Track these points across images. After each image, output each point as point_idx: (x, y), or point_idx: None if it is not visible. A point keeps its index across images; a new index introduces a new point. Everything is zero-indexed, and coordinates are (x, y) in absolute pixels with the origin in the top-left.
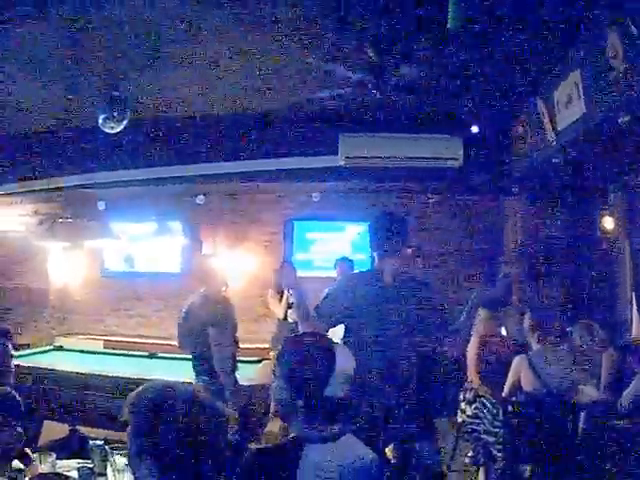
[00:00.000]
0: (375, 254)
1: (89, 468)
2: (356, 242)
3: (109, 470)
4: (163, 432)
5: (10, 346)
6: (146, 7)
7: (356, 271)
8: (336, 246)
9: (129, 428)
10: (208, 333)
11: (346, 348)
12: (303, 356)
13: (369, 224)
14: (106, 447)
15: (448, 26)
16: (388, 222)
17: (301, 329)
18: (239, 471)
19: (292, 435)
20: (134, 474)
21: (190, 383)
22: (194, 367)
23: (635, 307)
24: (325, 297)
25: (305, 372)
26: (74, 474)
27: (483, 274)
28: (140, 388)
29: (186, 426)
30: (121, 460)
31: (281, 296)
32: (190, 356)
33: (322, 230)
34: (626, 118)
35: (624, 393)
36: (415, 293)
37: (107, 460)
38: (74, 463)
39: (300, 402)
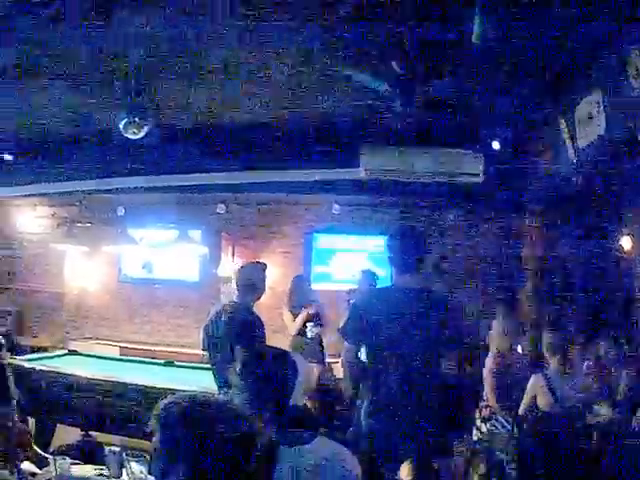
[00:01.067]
0: (394, 270)
1: (105, 475)
2: (376, 256)
3: (125, 477)
4: (197, 443)
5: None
6: (174, 20)
7: (375, 287)
8: (356, 259)
9: (157, 438)
10: (233, 347)
11: (301, 357)
12: (267, 371)
13: (387, 239)
14: (123, 454)
15: (473, 40)
16: (406, 237)
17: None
18: None
19: (265, 440)
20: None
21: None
22: (215, 377)
23: None
24: (347, 318)
25: (270, 386)
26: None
27: (503, 290)
28: (170, 398)
29: (220, 437)
30: (138, 467)
31: (295, 312)
32: (207, 365)
33: (342, 243)
34: None
35: None
36: (434, 309)
37: (123, 467)
38: (89, 468)
39: (267, 414)
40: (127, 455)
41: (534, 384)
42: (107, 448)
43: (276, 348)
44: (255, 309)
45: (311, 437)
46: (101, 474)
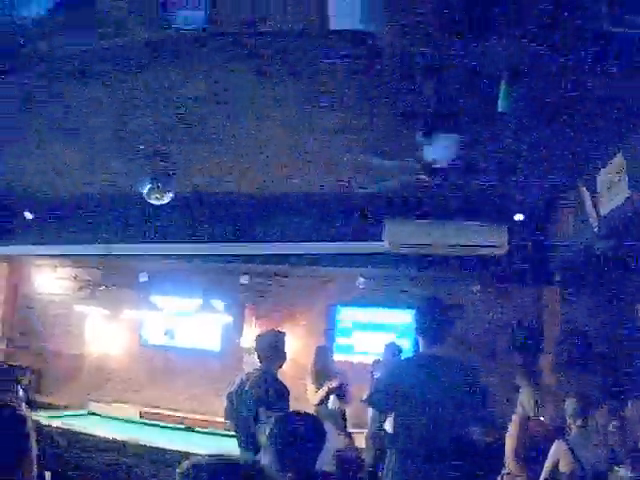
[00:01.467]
0: (420, 339)
1: None
2: (400, 329)
3: None
4: None
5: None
6: (202, 88)
7: (403, 357)
8: (379, 332)
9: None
10: (258, 411)
11: (330, 425)
12: (293, 433)
13: (416, 310)
14: None
15: (498, 108)
16: (434, 308)
17: None
18: None
19: None
20: None
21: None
22: (239, 442)
23: None
24: (375, 387)
25: (294, 448)
26: None
27: (524, 362)
28: (195, 458)
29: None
30: None
31: (318, 384)
32: (229, 432)
33: (365, 316)
34: None
35: None
36: (463, 378)
37: None
38: None
39: (290, 476)
40: None
41: (556, 449)
42: None
43: (306, 413)
44: (279, 377)
45: None
46: None
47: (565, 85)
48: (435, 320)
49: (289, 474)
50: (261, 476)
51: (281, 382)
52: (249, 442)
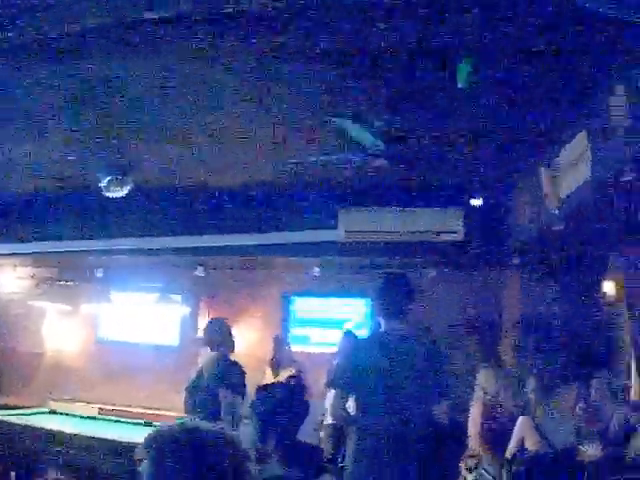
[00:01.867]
0: (381, 317)
1: None
2: (356, 318)
3: None
4: (187, 469)
5: None
6: (157, 79)
7: (364, 336)
8: (335, 321)
9: (145, 466)
10: (219, 394)
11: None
12: (276, 402)
13: (376, 285)
14: None
15: (459, 85)
16: (395, 283)
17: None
18: None
19: (272, 474)
20: None
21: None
22: None
23: (634, 371)
24: (338, 369)
25: (278, 417)
26: None
27: (483, 346)
28: (159, 427)
29: (211, 463)
30: None
31: (276, 371)
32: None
33: (321, 305)
34: (631, 176)
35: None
36: (424, 355)
37: None
38: None
39: (272, 444)
40: None
41: (521, 426)
42: None
43: (289, 384)
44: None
45: (314, 476)
46: None
47: (525, 63)
48: (395, 295)
49: (271, 443)
50: (225, 440)
51: (237, 363)
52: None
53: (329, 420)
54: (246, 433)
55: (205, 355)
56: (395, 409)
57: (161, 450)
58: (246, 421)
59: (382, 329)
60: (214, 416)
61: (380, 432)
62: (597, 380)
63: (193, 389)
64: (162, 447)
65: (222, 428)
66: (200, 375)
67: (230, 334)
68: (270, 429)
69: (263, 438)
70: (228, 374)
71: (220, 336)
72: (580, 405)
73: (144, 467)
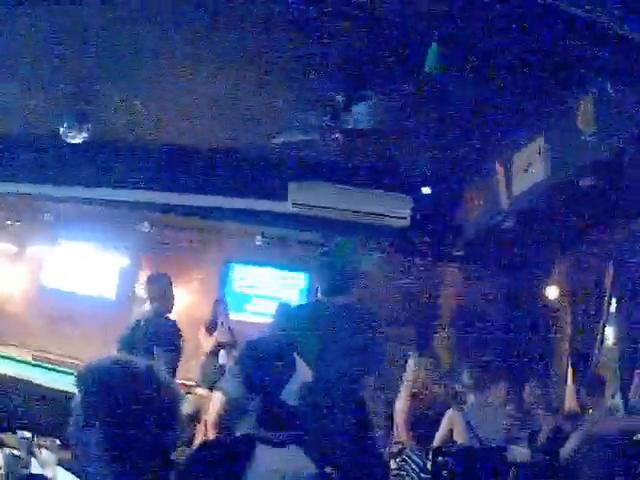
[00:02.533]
0: (319, 293)
1: (15, 456)
2: (294, 292)
3: (34, 462)
4: (115, 402)
5: None
6: (125, 24)
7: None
8: (273, 293)
9: (76, 399)
10: (153, 352)
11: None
12: (267, 356)
13: (319, 255)
14: (33, 440)
15: (426, 69)
16: (333, 259)
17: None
18: (187, 462)
19: (244, 433)
20: (76, 447)
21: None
22: None
23: (570, 380)
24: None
25: (267, 370)
26: None
27: (417, 336)
28: (92, 361)
29: (141, 396)
30: (47, 455)
31: (211, 333)
32: None
33: (260, 275)
34: (588, 182)
35: (565, 449)
36: (361, 325)
37: (33, 453)
38: None
39: (256, 401)
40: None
41: (450, 417)
42: (19, 433)
43: (278, 340)
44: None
45: (289, 440)
46: (11, 453)
47: (492, 51)
48: (336, 271)
49: (255, 399)
50: (155, 374)
51: (174, 322)
52: None
53: None
54: (230, 387)
55: (140, 311)
56: (328, 383)
57: (92, 382)
58: (229, 375)
59: (318, 299)
60: None
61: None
62: (530, 384)
63: (126, 344)
64: (93, 379)
65: (152, 365)
66: (135, 330)
67: (171, 291)
68: (255, 384)
69: (247, 393)
70: (165, 332)
71: (161, 292)
72: (510, 407)
73: (76, 402)
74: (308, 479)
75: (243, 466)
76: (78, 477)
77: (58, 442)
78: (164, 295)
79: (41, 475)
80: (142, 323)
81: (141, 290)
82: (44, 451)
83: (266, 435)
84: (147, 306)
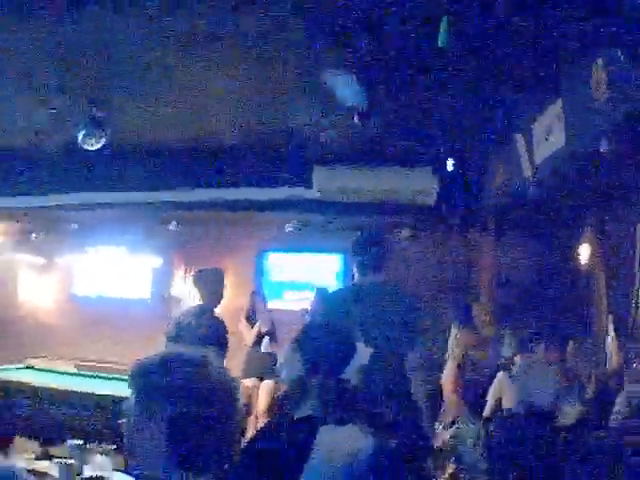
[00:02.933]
0: (358, 271)
1: (68, 464)
2: (329, 274)
3: (88, 468)
4: (172, 396)
5: None
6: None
7: (337, 289)
8: (309, 278)
9: (131, 398)
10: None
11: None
12: (327, 336)
13: (354, 240)
14: (85, 447)
15: (439, 44)
16: (369, 239)
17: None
18: (248, 444)
19: (306, 414)
20: (131, 451)
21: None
22: None
23: (612, 336)
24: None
25: (328, 351)
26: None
27: (456, 308)
28: (142, 359)
29: (198, 387)
30: (102, 459)
31: (252, 324)
32: None
33: (294, 262)
34: (607, 147)
35: (616, 409)
36: (402, 305)
37: (85, 460)
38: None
39: (317, 380)
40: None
41: (499, 383)
42: (69, 442)
43: (335, 325)
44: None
45: (349, 419)
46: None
47: (503, 26)
48: (372, 251)
49: (315, 381)
50: (209, 368)
51: (221, 319)
52: None
53: None
54: (289, 370)
55: (180, 308)
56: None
57: (146, 378)
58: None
59: (360, 281)
60: None
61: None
62: (573, 344)
63: (172, 340)
64: (146, 374)
65: (205, 355)
66: (179, 327)
67: (222, 286)
68: (317, 366)
69: (307, 374)
70: (213, 328)
71: (212, 287)
72: (555, 368)
73: (129, 404)
74: (369, 456)
75: (306, 447)
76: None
77: (112, 447)
78: (214, 290)
79: (98, 477)
80: (187, 319)
81: (177, 289)
82: (98, 456)
83: (327, 415)
84: (185, 304)
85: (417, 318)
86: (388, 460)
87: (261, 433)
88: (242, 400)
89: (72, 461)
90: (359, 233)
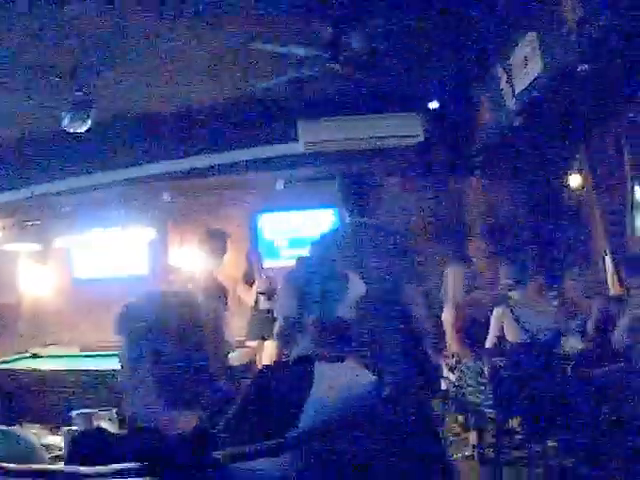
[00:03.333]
0: (348, 212)
1: (73, 430)
2: (323, 228)
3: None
4: (162, 331)
5: None
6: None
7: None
8: (305, 233)
9: (124, 339)
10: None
11: (357, 276)
12: (320, 272)
13: (337, 184)
14: (91, 413)
15: None
16: (351, 180)
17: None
18: (250, 388)
19: (300, 354)
20: (126, 389)
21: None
22: None
23: (610, 263)
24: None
25: (321, 287)
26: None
27: (451, 249)
28: (131, 300)
29: (185, 326)
30: (108, 424)
31: (250, 284)
32: None
33: (287, 219)
34: (584, 67)
35: (615, 336)
36: (393, 241)
37: (90, 427)
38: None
39: (312, 318)
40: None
41: (498, 316)
42: (74, 412)
43: (331, 258)
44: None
45: (346, 355)
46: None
47: None
48: (361, 192)
49: (311, 317)
50: (191, 299)
51: (220, 281)
52: None
53: None
54: (279, 307)
55: (179, 282)
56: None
57: (134, 316)
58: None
59: (350, 221)
60: None
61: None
62: (571, 273)
63: None
64: (134, 312)
65: (190, 291)
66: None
67: (225, 248)
68: (310, 303)
69: (300, 311)
70: (213, 287)
71: (221, 247)
72: (553, 297)
73: (122, 352)
74: (368, 390)
75: (304, 385)
76: None
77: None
78: (220, 251)
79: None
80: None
81: (174, 260)
82: (102, 423)
83: (323, 352)
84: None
85: (410, 252)
86: (388, 393)
87: (260, 375)
88: (244, 362)
89: (76, 428)
90: (342, 176)
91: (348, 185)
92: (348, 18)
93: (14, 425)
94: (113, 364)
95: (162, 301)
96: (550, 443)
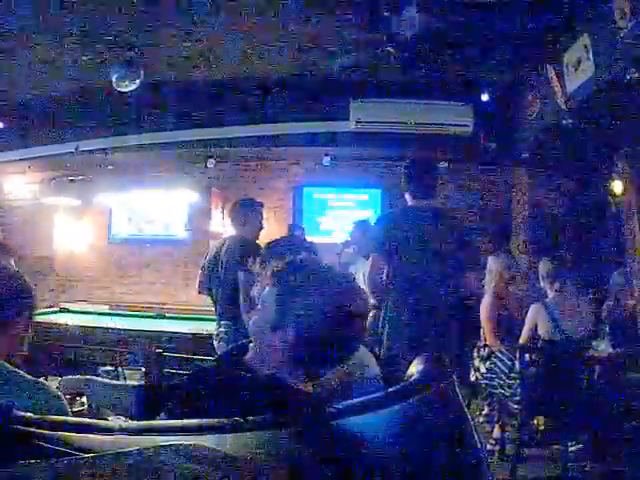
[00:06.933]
0: (410, 196)
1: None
2: (366, 208)
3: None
4: (312, 297)
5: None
6: None
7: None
8: (346, 212)
9: (272, 291)
10: (238, 277)
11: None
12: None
13: (405, 166)
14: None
15: None
16: (424, 164)
17: None
18: None
19: None
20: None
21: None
22: (217, 310)
23: None
24: (372, 240)
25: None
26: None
27: (494, 239)
28: (291, 258)
29: (333, 301)
30: (134, 375)
31: None
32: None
33: (332, 196)
34: (635, 74)
35: None
36: (454, 228)
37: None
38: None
39: None
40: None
41: (534, 313)
42: (101, 368)
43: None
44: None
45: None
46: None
47: None
48: (425, 175)
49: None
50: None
51: (259, 245)
52: (227, 310)
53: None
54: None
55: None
56: (427, 280)
57: (295, 277)
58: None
59: (412, 205)
60: (230, 298)
61: (413, 303)
62: (609, 275)
63: (209, 267)
64: (296, 274)
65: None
66: (218, 253)
67: (260, 217)
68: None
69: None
70: (248, 256)
71: (248, 216)
72: (588, 298)
73: (268, 298)
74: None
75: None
76: None
77: (143, 370)
78: (252, 219)
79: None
80: (224, 246)
81: (215, 226)
82: (129, 381)
83: None
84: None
85: (470, 241)
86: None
87: None
88: None
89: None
90: (411, 160)
91: (418, 168)
92: (409, 3)
93: (40, 377)
94: (142, 325)
95: (327, 272)
96: (572, 446)
